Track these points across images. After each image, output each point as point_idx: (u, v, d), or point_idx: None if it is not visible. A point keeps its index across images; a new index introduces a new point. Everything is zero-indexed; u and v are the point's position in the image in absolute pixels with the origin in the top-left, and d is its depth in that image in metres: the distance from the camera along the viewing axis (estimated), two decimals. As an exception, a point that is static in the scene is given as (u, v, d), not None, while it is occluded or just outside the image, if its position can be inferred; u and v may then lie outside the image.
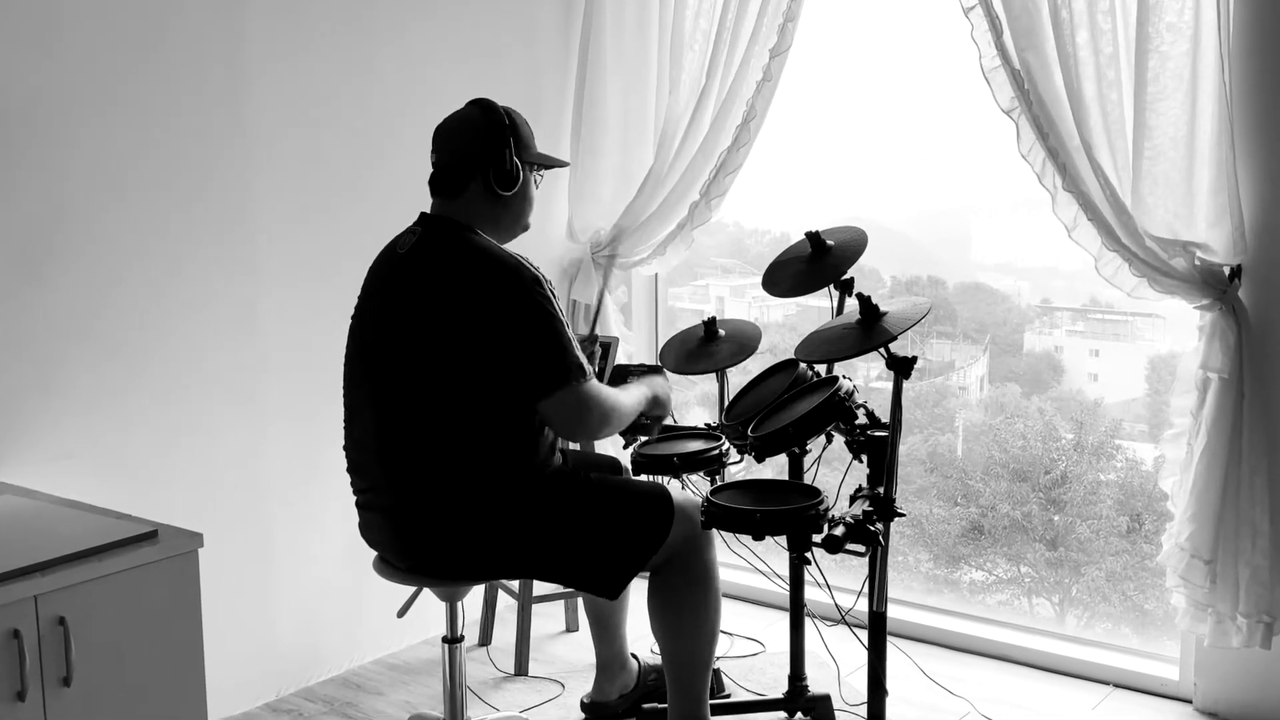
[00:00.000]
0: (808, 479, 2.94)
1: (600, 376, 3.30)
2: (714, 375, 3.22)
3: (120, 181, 2.92)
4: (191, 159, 3.06)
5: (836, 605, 3.00)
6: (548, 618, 3.94)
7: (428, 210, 2.69)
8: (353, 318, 2.71)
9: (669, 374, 3.14)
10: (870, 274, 4.20)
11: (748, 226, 4.75)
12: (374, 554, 2.72)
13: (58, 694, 2.10)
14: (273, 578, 3.35)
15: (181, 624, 2.27)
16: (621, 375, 2.99)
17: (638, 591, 2.89)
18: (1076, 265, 3.95)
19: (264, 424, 3.29)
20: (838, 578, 3.63)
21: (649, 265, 4.06)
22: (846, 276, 3.00)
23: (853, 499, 2.66)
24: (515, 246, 2.67)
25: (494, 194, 2.63)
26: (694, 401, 4.62)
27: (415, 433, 2.53)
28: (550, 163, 2.74)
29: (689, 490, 2.96)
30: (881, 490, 2.58)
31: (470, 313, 2.47)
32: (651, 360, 4.32)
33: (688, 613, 2.79)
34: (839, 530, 2.45)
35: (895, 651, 3.25)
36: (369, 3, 3.46)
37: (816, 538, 2.49)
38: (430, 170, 2.68)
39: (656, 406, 2.87)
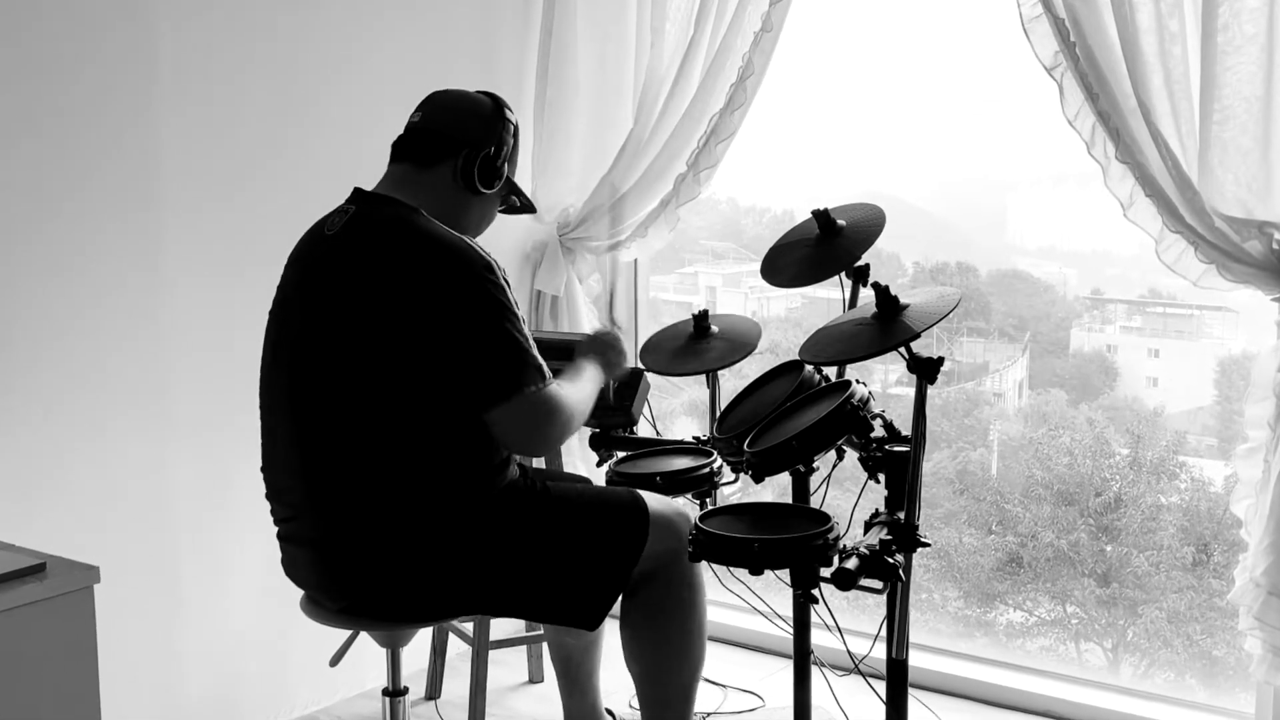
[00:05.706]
0: (814, 502, 2.95)
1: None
2: (704, 379, 3.23)
3: (-2, 149, 2.92)
4: (84, 127, 3.05)
5: (849, 652, 3.01)
6: (507, 666, 3.95)
7: (367, 187, 2.69)
8: (270, 312, 2.71)
9: (651, 378, 3.16)
10: (889, 260, 4.23)
11: (743, 204, 4.77)
12: (301, 592, 2.73)
13: (-76, 758, 2.09)
14: (181, 618, 3.35)
15: (74, 673, 2.27)
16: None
17: (611, 634, 2.90)
18: (1133, 249, 3.98)
19: (170, 438, 3.28)
20: (850, 619, 3.65)
21: (627, 249, 4.07)
22: (861, 263, 3.02)
23: (868, 526, 2.67)
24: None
25: (460, 184, 2.68)
26: (680, 410, 4.64)
27: (345, 449, 2.53)
28: (522, 199, 2.86)
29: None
30: (902, 515, 2.60)
31: (409, 303, 2.47)
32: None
33: (668, 639, 2.80)
34: (852, 563, 2.46)
35: (918, 706, 3.27)
36: (295, -63, 3.47)
37: (825, 572, 2.50)
38: (399, 132, 2.73)
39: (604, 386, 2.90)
